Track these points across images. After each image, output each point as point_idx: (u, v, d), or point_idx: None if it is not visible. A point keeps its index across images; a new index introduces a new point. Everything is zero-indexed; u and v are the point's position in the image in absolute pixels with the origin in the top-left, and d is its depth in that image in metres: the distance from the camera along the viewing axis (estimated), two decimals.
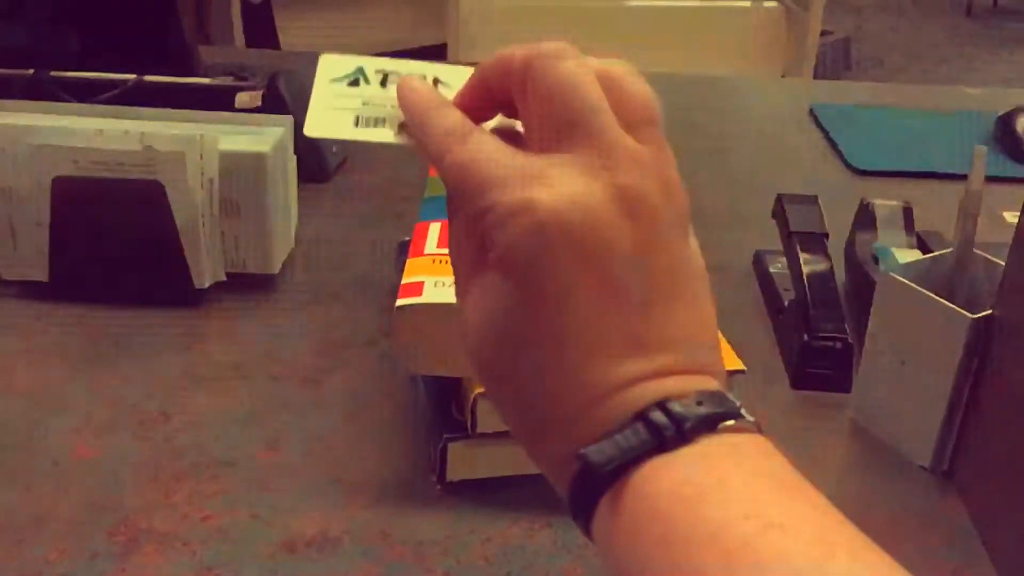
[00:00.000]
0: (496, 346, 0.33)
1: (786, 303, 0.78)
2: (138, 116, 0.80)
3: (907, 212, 0.83)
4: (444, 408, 0.61)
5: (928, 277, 0.65)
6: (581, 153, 0.32)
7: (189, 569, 0.55)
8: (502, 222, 0.32)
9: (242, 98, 0.96)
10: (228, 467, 0.62)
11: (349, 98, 0.39)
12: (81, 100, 0.86)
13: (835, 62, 3.73)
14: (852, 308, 0.78)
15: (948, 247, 0.69)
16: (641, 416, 0.31)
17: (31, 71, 0.94)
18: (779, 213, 0.84)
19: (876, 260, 0.79)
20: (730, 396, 0.32)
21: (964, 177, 0.66)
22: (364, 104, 0.38)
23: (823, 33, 2.55)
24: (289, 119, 0.82)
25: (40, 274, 0.77)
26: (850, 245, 0.84)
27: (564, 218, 0.31)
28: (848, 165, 1.11)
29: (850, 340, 0.72)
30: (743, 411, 0.32)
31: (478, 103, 0.36)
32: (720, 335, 0.63)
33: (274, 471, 0.62)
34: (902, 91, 1.46)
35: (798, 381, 0.73)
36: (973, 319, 0.60)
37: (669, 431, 0.31)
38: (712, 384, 0.33)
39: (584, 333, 0.32)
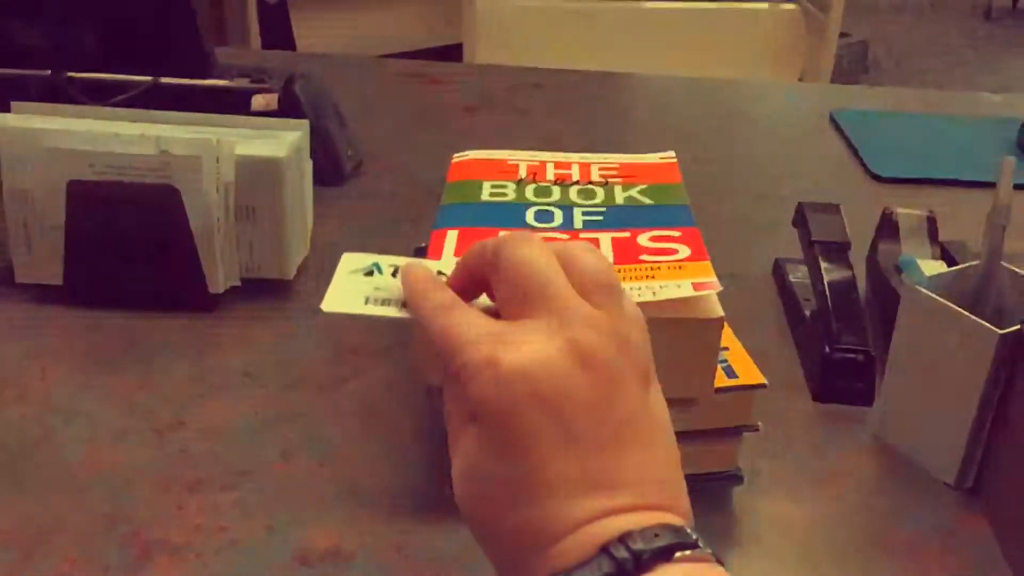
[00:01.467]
0: (474, 488, 0.38)
1: (807, 314, 0.77)
2: (154, 119, 0.80)
3: (931, 222, 0.81)
4: None
5: (953, 290, 0.64)
6: (539, 318, 0.38)
7: None
8: (472, 376, 0.37)
9: (258, 100, 0.96)
10: (242, 477, 0.61)
11: (363, 284, 0.46)
12: (97, 102, 0.86)
13: (852, 65, 3.71)
14: (874, 319, 0.77)
15: (973, 258, 0.68)
16: (604, 550, 0.34)
17: (47, 72, 0.94)
18: (800, 221, 0.82)
19: (899, 270, 0.78)
20: (688, 529, 0.36)
21: (987, 184, 0.65)
22: (375, 289, 0.46)
23: (841, 35, 2.53)
24: (305, 123, 0.81)
25: (54, 278, 0.77)
26: (872, 255, 0.83)
27: (524, 371, 0.36)
28: (869, 172, 1.10)
29: (872, 353, 0.71)
30: (700, 542, 0.35)
31: (464, 285, 0.43)
32: (740, 346, 0.63)
33: (288, 482, 0.61)
34: (923, 96, 1.44)
35: (819, 394, 0.72)
36: (1001, 334, 0.59)
37: (628, 563, 0.34)
38: (672, 519, 0.36)
39: (547, 473, 0.36)
